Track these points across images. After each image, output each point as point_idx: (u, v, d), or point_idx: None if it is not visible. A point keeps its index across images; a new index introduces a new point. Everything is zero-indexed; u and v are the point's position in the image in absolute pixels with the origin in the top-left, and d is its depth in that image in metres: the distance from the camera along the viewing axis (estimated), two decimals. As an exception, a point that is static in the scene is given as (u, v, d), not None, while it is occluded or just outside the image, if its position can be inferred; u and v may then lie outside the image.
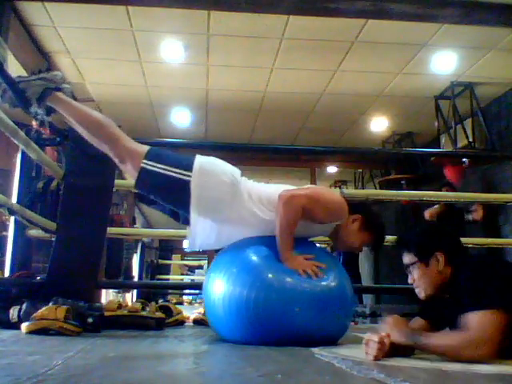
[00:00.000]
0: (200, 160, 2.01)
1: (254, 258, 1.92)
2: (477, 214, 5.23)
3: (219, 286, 1.89)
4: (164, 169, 1.96)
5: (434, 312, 1.75)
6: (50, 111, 2.07)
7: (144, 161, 1.97)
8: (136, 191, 2.16)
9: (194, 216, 1.97)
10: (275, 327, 1.78)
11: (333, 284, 1.89)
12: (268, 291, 1.80)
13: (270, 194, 2.04)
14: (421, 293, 1.70)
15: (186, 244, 2.06)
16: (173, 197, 2.02)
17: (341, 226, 2.10)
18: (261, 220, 2.00)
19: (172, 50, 4.96)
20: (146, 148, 2.02)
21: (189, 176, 1.95)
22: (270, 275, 1.85)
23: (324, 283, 1.86)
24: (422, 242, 1.72)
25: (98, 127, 2.03)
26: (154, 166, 1.96)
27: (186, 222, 2.05)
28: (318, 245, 2.23)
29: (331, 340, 1.88)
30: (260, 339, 1.79)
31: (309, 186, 2.14)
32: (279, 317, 1.78)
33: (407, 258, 1.72)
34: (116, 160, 2.05)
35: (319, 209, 2.01)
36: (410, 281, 1.74)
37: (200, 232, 2.01)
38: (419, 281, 1.68)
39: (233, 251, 2.02)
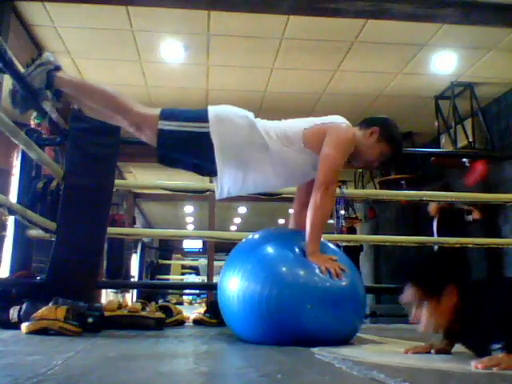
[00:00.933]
0: (213, 109, 2.04)
1: (268, 254, 1.93)
2: (476, 214, 5.23)
3: (234, 283, 1.90)
4: (181, 125, 1.99)
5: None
6: (58, 95, 2.08)
7: (160, 122, 1.99)
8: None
9: (219, 164, 1.98)
10: (287, 324, 1.78)
11: (346, 284, 1.88)
12: (281, 288, 1.80)
13: (286, 129, 2.06)
14: (429, 329, 1.53)
15: (216, 193, 2.06)
16: (195, 150, 2.03)
17: (359, 141, 2.12)
18: (280, 156, 2.03)
19: (172, 50, 4.95)
20: (158, 110, 2.04)
21: (207, 127, 1.97)
22: (283, 272, 1.86)
23: (338, 283, 1.85)
24: (433, 276, 1.54)
25: (108, 98, 2.04)
26: (171, 125, 1.99)
27: (211, 173, 2.08)
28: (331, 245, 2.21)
29: (342, 340, 1.87)
30: (273, 336, 1.79)
31: (330, 122, 2.13)
32: (291, 314, 1.78)
33: (412, 294, 1.53)
34: (132, 128, 2.06)
35: (343, 162, 2.09)
36: (412, 318, 1.55)
37: (226, 179, 2.03)
38: (430, 318, 1.50)
39: (247, 248, 2.05)
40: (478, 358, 1.44)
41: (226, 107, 2.09)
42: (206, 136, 1.97)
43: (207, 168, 2.06)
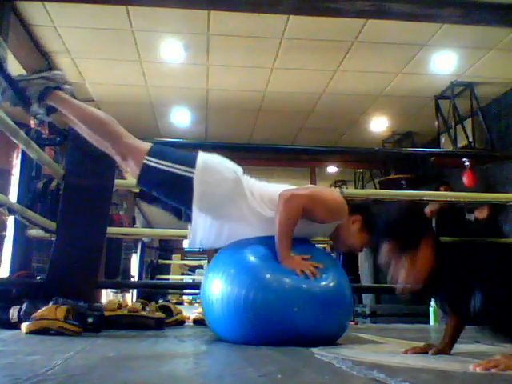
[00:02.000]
0: (203, 157, 2.01)
1: (252, 258, 1.92)
2: (481, 213, 5.20)
3: (217, 287, 1.89)
4: (167, 165, 1.96)
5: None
6: (50, 111, 2.07)
7: (147, 157, 1.97)
8: (137, 190, 2.17)
9: (195, 213, 1.97)
10: (273, 327, 1.78)
11: (331, 284, 1.88)
12: (266, 291, 1.80)
13: (271, 192, 2.04)
14: (407, 284, 1.51)
15: (186, 242, 2.05)
16: (175, 193, 2.02)
17: (341, 227, 2.09)
18: (262, 218, 2.00)
19: (172, 49, 4.96)
20: (148, 145, 2.03)
21: (192, 172, 1.95)
22: (268, 275, 1.85)
23: (322, 283, 1.86)
24: (408, 230, 1.54)
25: (100, 125, 2.03)
26: (157, 163, 1.96)
27: (188, 219, 2.05)
28: (317, 245, 2.21)
29: (330, 340, 1.87)
30: (258, 339, 1.79)
31: (309, 185, 2.13)
32: (277, 317, 1.78)
33: (389, 251, 1.53)
34: (118, 158, 2.05)
35: (320, 208, 2.00)
36: (390, 276, 1.54)
37: (201, 229, 2.01)
38: (408, 273, 1.50)
39: (231, 251, 2.02)
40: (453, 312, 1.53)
41: (218, 158, 2.06)
42: (188, 181, 1.94)
43: (185, 213, 2.05)
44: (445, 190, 4.99)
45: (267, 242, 1.97)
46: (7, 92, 2.00)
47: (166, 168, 1.96)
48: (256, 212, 2.00)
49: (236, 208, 1.99)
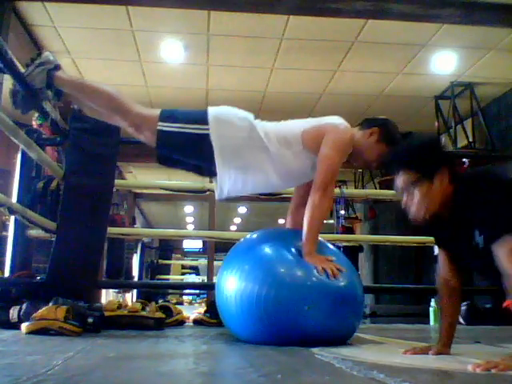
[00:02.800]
0: (213, 111, 2.03)
1: (266, 254, 1.93)
2: None
3: (231, 283, 1.90)
4: (181, 127, 1.99)
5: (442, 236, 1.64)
6: (59, 95, 2.08)
7: (159, 123, 1.99)
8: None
9: (219, 166, 1.99)
10: (285, 325, 1.78)
11: (344, 284, 1.87)
12: (279, 288, 1.80)
13: (285, 131, 2.07)
14: (420, 213, 1.53)
15: (215, 194, 2.07)
16: (195, 152, 2.03)
17: (358, 141, 2.12)
18: (280, 158, 2.03)
19: (172, 50, 4.96)
20: (158, 111, 2.04)
21: (206, 129, 1.98)
22: (281, 272, 1.86)
23: (336, 283, 1.85)
24: (427, 157, 1.54)
25: (108, 98, 2.05)
26: (171, 127, 1.99)
27: (211, 174, 2.08)
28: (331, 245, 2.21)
29: (340, 340, 1.87)
30: (271, 336, 1.79)
31: (328, 123, 2.13)
32: (289, 314, 1.78)
33: (405, 179, 1.53)
34: (131, 129, 2.06)
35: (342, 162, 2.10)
36: (404, 202, 1.55)
37: (226, 180, 2.03)
38: (422, 200, 1.50)
39: (245, 248, 2.05)
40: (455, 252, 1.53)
41: (226, 109, 2.09)
42: (205, 138, 1.97)
43: (207, 169, 2.06)
44: None
45: (281, 236, 1.98)
46: (18, 95, 2.02)
47: (180, 130, 1.98)
48: (273, 154, 2.02)
49: (255, 153, 2.02)
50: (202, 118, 2.00)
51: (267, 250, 1.95)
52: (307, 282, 1.83)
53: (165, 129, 1.98)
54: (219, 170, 1.99)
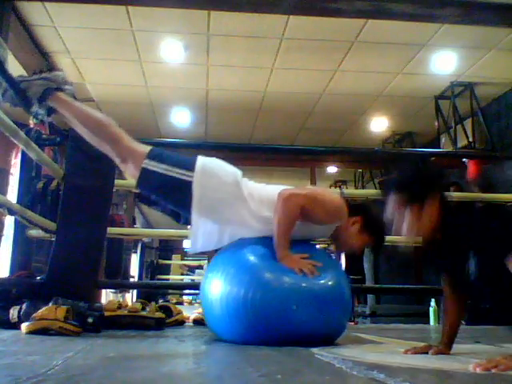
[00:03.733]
0: (202, 160, 2.01)
1: (251, 257, 1.92)
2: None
3: (217, 286, 1.89)
4: (166, 169, 1.96)
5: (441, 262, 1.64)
6: (50, 111, 2.07)
7: (146, 161, 1.96)
8: (137, 191, 2.17)
9: (195, 217, 1.96)
10: (273, 326, 1.78)
11: (330, 282, 1.88)
12: (265, 290, 1.80)
13: (270, 194, 2.03)
14: (410, 235, 1.55)
15: (187, 245, 2.03)
16: (174, 197, 2.02)
17: (341, 228, 2.09)
18: (262, 221, 2.00)
19: (172, 49, 4.96)
20: (147, 148, 2.02)
21: (191, 176, 1.95)
22: (266, 274, 1.85)
23: (321, 281, 1.86)
24: (418, 182, 1.57)
25: (100, 127, 2.03)
26: (156, 166, 1.96)
27: (187, 222, 2.05)
28: (316, 245, 2.21)
29: (329, 339, 1.87)
30: (258, 338, 1.79)
31: (308, 186, 2.12)
32: (276, 316, 1.78)
33: (397, 201, 1.55)
34: (117, 160, 2.04)
35: (318, 209, 1.99)
36: (395, 225, 1.56)
37: (201, 233, 2.01)
38: (412, 223, 1.52)
39: (230, 251, 2.02)
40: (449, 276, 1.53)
41: (217, 161, 2.06)
42: (187, 184, 1.94)
43: (185, 217, 2.05)
44: (455, 191, 5.00)
45: (267, 241, 1.97)
46: (8, 93, 2.00)
47: (165, 172, 1.95)
48: (256, 215, 2.00)
49: (236, 211, 1.99)
50: (189, 165, 1.97)
51: (253, 253, 1.93)
52: (293, 283, 1.83)
53: (150, 168, 1.96)
54: (194, 219, 1.96)
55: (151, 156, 1.98)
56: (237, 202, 1.99)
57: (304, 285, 1.83)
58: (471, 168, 5.39)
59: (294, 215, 1.95)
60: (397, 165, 1.88)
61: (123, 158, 2.01)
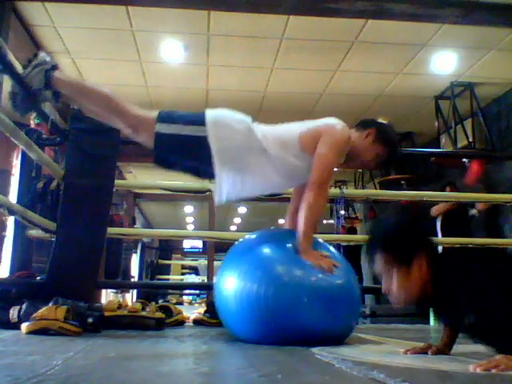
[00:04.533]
0: (211, 113, 2.03)
1: (264, 253, 1.94)
2: (481, 204, 5.18)
3: (230, 283, 1.90)
4: (178, 129, 1.99)
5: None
6: (57, 96, 2.08)
7: (157, 125, 1.98)
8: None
9: (217, 168, 1.98)
10: (284, 323, 1.79)
11: (342, 282, 1.89)
12: (277, 287, 1.81)
13: (282, 134, 2.09)
14: (400, 298, 1.50)
15: (214, 198, 2.05)
16: (193, 154, 2.03)
17: (354, 143, 2.12)
18: (278, 160, 2.03)
19: (172, 49, 4.96)
20: (155, 112, 2.04)
21: (204, 131, 1.97)
22: (280, 271, 1.86)
23: (333, 280, 1.87)
24: (403, 243, 1.50)
25: (106, 100, 2.04)
26: (168, 128, 1.98)
27: (208, 176, 2.07)
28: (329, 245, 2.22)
29: (338, 339, 1.88)
30: (271, 335, 1.79)
31: (326, 124, 2.13)
32: (288, 312, 1.79)
33: (382, 262, 1.50)
34: (129, 130, 2.06)
35: (338, 163, 2.11)
36: (384, 288, 1.51)
37: (225, 183, 2.02)
38: (401, 285, 1.47)
39: (244, 248, 2.06)
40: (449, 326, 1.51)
41: (224, 111, 2.08)
42: (203, 140, 1.96)
43: (205, 171, 2.06)
44: (451, 191, 5.00)
45: (279, 237, 1.99)
46: (18, 98, 2.02)
47: (178, 132, 1.98)
48: (271, 155, 2.03)
49: (253, 155, 2.02)
50: (199, 120, 2.00)
51: (266, 249, 1.96)
52: (305, 280, 1.84)
53: (162, 131, 1.98)
54: (218, 172, 1.99)
55: (161, 119, 2.00)
56: (253, 147, 2.02)
57: (316, 283, 1.84)
58: (474, 168, 5.39)
59: (324, 204, 2.07)
60: (382, 225, 1.79)
61: (134, 128, 2.04)
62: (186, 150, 2.02)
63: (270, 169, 2.03)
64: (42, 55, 2.04)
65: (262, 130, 2.08)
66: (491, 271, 1.43)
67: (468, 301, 1.42)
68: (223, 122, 2.02)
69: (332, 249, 2.14)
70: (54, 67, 2.04)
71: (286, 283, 1.83)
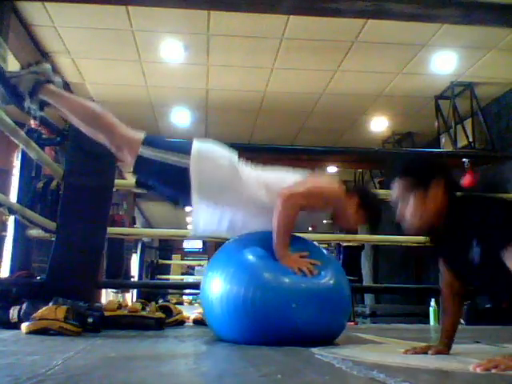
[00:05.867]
0: (198, 145, 2.01)
1: (251, 256, 1.92)
2: None
3: (216, 286, 1.89)
4: (161, 155, 1.96)
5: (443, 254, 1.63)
6: (43, 105, 2.06)
7: (141, 148, 1.97)
8: (137, 190, 2.18)
9: (195, 201, 1.97)
10: (272, 325, 1.78)
11: (329, 281, 1.88)
12: (265, 289, 1.80)
13: (267, 178, 2.06)
14: (414, 221, 1.53)
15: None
16: (172, 182, 2.02)
17: (339, 208, 2.11)
18: (260, 205, 2.01)
19: (172, 49, 4.96)
20: (142, 135, 2.02)
21: (187, 161, 1.95)
22: (266, 273, 1.85)
23: (320, 281, 1.86)
24: (423, 166, 1.56)
25: (93, 117, 2.02)
26: (151, 153, 1.96)
27: (186, 204, 2.06)
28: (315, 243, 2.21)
29: (328, 338, 1.87)
30: (258, 338, 1.79)
31: (306, 178, 2.11)
32: (276, 315, 1.78)
33: (401, 186, 1.54)
34: (113, 149, 2.05)
35: (319, 202, 2.03)
36: (398, 215, 1.55)
37: (202, 217, 2.02)
38: (417, 208, 1.50)
39: (229, 250, 2.03)
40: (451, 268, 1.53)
41: (212, 144, 2.07)
42: (184, 171, 1.94)
43: (183, 200, 2.06)
44: None
45: (266, 240, 1.97)
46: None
47: (160, 158, 1.96)
48: (254, 199, 2.01)
49: (234, 195, 2.00)
50: (184, 149, 1.98)
51: (252, 252, 1.94)
52: (292, 282, 1.83)
53: (145, 155, 1.96)
54: (195, 204, 1.97)
55: (146, 142, 1.98)
56: (234, 186, 2.00)
57: (303, 284, 1.83)
58: (467, 180, 5.39)
59: (294, 215, 1.96)
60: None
61: (118, 147, 2.02)
62: (165, 177, 2.01)
63: (249, 212, 2.02)
64: (44, 66, 2.03)
65: (247, 171, 2.05)
66: (507, 213, 1.43)
67: (478, 234, 1.41)
68: (208, 155, 1.99)
69: (312, 244, 2.12)
70: (48, 81, 2.02)
71: (274, 286, 1.82)
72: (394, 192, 1.57)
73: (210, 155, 2.00)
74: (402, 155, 1.85)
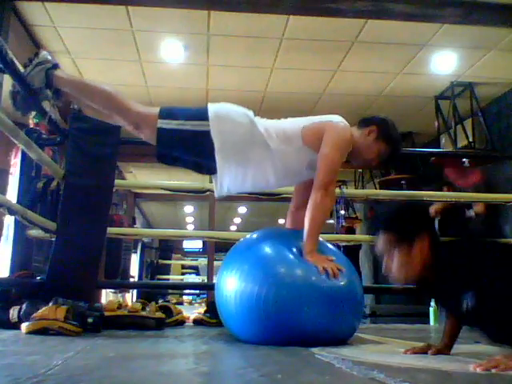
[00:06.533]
0: (213, 108, 2.04)
1: (265, 254, 1.93)
2: (479, 207, 5.18)
3: (231, 283, 1.90)
4: (180, 124, 1.99)
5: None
6: (58, 94, 2.08)
7: (159, 121, 1.99)
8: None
9: (219, 161, 1.99)
10: (285, 324, 1.78)
11: (344, 284, 1.88)
12: (278, 288, 1.80)
13: (284, 128, 2.08)
14: (400, 276, 1.52)
15: (215, 192, 2.07)
16: (196, 149, 2.04)
17: (357, 140, 2.13)
18: (278, 154, 2.03)
19: (172, 49, 4.95)
20: (157, 109, 2.05)
21: (207, 126, 1.98)
22: (281, 272, 1.86)
23: (336, 283, 1.85)
24: (406, 222, 1.54)
25: (107, 98, 2.05)
26: (170, 124, 1.99)
27: (210, 171, 2.08)
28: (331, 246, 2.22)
29: (339, 340, 1.87)
30: (270, 336, 1.79)
31: (329, 121, 2.12)
32: (289, 314, 1.78)
33: (386, 241, 1.52)
34: (131, 127, 2.07)
35: (341, 161, 2.12)
36: (384, 268, 1.54)
37: (227, 177, 2.03)
38: (402, 263, 1.49)
39: (244, 248, 2.05)
40: (448, 312, 1.53)
41: (226, 105, 2.09)
42: (206, 134, 1.97)
43: (207, 166, 2.07)
44: (448, 191, 4.99)
45: (280, 237, 1.99)
46: (18, 96, 2.02)
47: (180, 127, 1.99)
48: (273, 149, 2.03)
49: (255, 149, 2.02)
50: (202, 115, 2.00)
51: (267, 249, 1.95)
52: (307, 282, 1.83)
53: (165, 126, 1.99)
54: (219, 165, 1.99)
55: (163, 115, 2.01)
56: (255, 141, 2.02)
57: (318, 285, 1.83)
58: (475, 178, 5.39)
59: (331, 206, 2.08)
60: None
61: (136, 125, 2.04)
62: (188, 145, 2.02)
63: (270, 164, 2.04)
64: (43, 54, 2.05)
65: (265, 124, 2.08)
66: (493, 259, 1.44)
67: (468, 283, 1.42)
68: (226, 115, 2.02)
69: (335, 249, 2.13)
70: (55, 66, 2.04)
71: (288, 285, 1.82)
72: (378, 245, 1.55)
73: (228, 115, 2.03)
74: (390, 206, 1.84)
